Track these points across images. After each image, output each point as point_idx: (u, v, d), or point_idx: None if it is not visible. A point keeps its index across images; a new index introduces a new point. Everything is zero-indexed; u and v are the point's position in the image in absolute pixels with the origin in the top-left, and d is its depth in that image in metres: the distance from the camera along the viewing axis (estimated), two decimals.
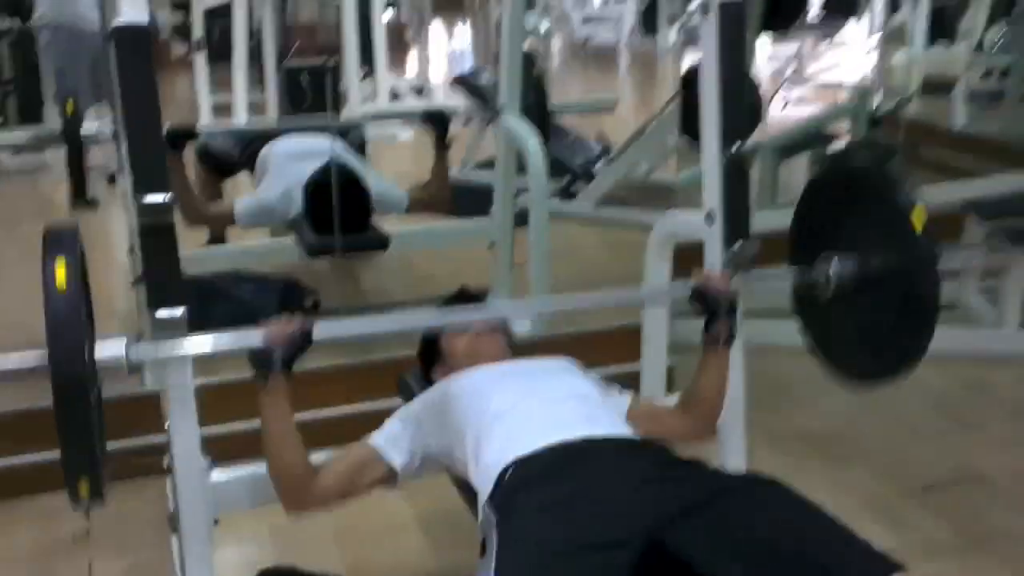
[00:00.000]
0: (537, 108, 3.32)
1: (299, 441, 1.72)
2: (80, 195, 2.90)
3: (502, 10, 3.25)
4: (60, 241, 1.51)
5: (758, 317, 3.39)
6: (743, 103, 2.08)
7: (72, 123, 2.72)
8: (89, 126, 2.81)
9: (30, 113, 5.54)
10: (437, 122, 3.34)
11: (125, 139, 1.75)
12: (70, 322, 1.44)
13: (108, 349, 1.56)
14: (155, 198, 1.69)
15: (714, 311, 1.83)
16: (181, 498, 1.78)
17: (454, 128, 3.45)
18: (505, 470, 1.59)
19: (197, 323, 3.19)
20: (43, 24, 4.84)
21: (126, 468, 2.58)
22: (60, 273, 1.46)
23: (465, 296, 2.13)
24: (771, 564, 1.37)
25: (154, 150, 1.73)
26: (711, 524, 1.43)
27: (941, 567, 2.27)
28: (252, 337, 1.67)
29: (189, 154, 3.30)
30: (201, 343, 1.70)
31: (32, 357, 1.48)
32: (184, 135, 3.07)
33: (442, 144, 3.35)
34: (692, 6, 2.17)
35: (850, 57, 7.70)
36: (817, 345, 2.06)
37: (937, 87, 5.92)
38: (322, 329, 1.71)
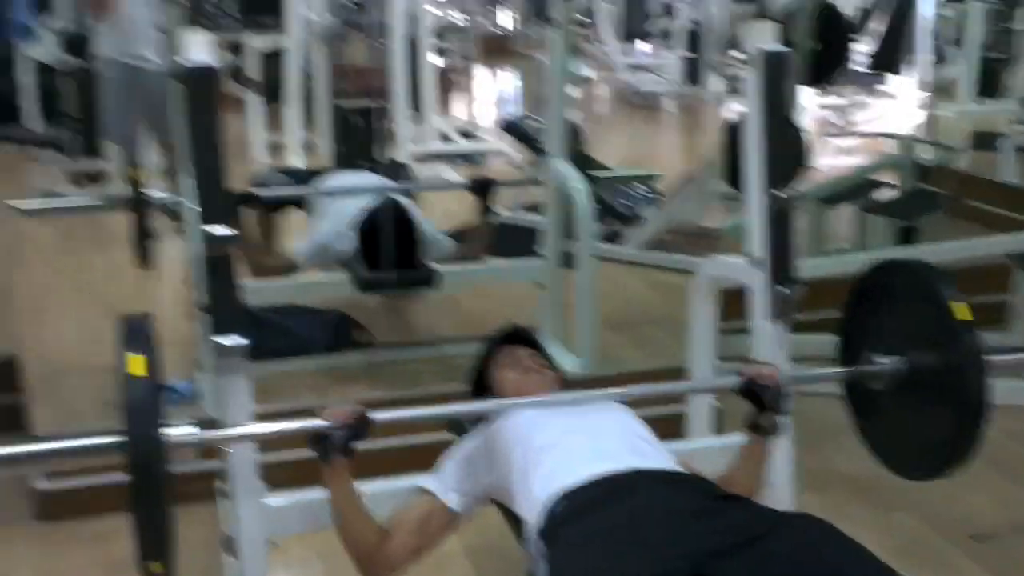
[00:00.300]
0: (576, 154, 3.37)
1: (366, 513, 1.79)
2: (145, 259, 2.98)
3: (547, 58, 3.32)
4: (135, 333, 1.55)
5: (806, 364, 3.42)
6: (787, 151, 2.12)
7: (136, 189, 2.81)
8: (153, 192, 2.90)
9: (90, 147, 5.72)
10: (482, 189, 3.42)
11: (192, 174, 1.83)
12: (148, 416, 1.49)
13: (181, 433, 1.61)
14: (219, 230, 1.77)
15: (763, 403, 1.85)
16: (239, 520, 1.84)
17: (503, 169, 3.52)
18: (554, 501, 1.62)
19: (251, 353, 3.27)
20: (103, 62, 5.00)
21: (186, 493, 2.65)
22: (136, 366, 1.50)
23: (515, 334, 2.16)
24: None
25: (219, 185, 1.81)
26: (756, 561, 1.44)
27: None
28: (314, 423, 1.72)
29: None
30: (262, 428, 1.79)
31: (111, 436, 1.52)
32: (243, 200, 3.18)
33: (487, 208, 3.43)
34: (737, 55, 2.22)
35: (898, 109, 7.71)
36: (867, 440, 2.06)
37: (985, 140, 5.91)
38: (380, 415, 1.76)
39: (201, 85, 1.83)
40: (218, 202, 1.81)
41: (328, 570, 2.42)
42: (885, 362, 1.89)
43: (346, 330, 3.49)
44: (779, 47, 2.10)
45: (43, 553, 2.53)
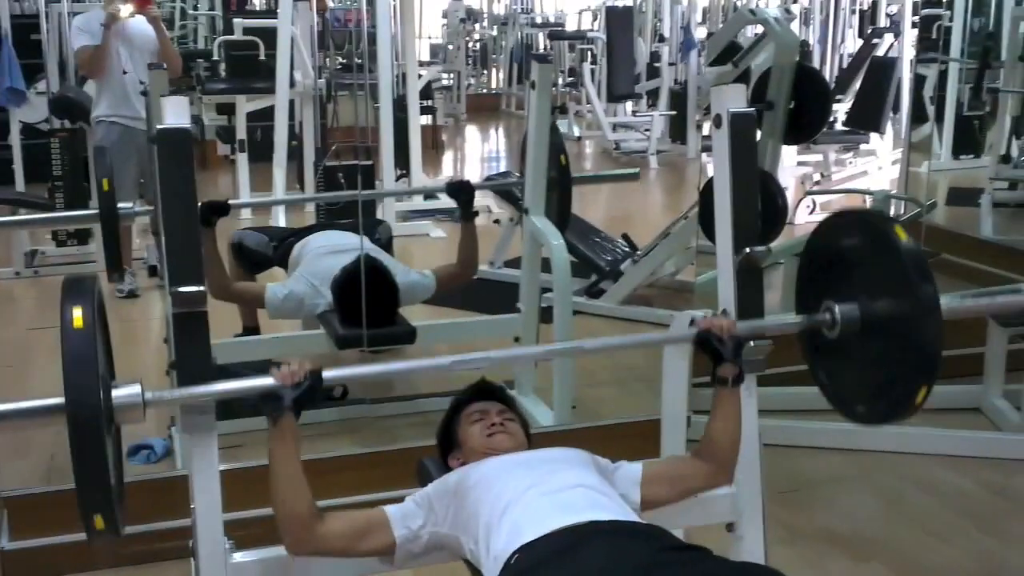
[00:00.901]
0: (560, 180, 3.40)
1: (305, 483, 1.76)
2: (116, 268, 2.97)
3: (528, 117, 3.38)
4: (77, 289, 1.59)
5: (779, 417, 3.44)
6: (755, 208, 2.15)
7: (107, 198, 2.79)
8: (125, 204, 2.88)
9: (77, 207, 5.75)
10: (461, 192, 3.43)
11: (163, 232, 1.85)
12: (85, 362, 1.51)
13: (124, 391, 1.62)
14: (189, 288, 1.79)
15: (721, 353, 1.87)
16: None
17: (484, 225, 3.55)
18: (511, 556, 1.63)
19: (229, 409, 3.26)
20: (99, 121, 5.10)
21: (151, 552, 2.65)
22: (77, 316, 1.53)
23: (485, 389, 2.18)
24: None
25: (190, 243, 1.83)
26: None
27: None
28: (264, 381, 1.74)
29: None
30: (216, 387, 1.76)
31: (51, 400, 1.55)
32: (217, 210, 3.15)
33: (467, 214, 3.43)
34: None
35: (879, 166, 7.82)
36: (823, 388, 2.07)
37: (962, 196, 6.00)
38: (331, 372, 1.78)
39: (174, 146, 1.85)
40: (188, 260, 1.84)
41: None
42: (839, 310, 1.91)
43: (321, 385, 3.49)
44: (745, 109, 2.15)
45: None
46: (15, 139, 6.04)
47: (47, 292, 5.31)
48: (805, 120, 4.43)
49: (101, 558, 2.65)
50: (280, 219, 6.41)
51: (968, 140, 6.78)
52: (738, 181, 2.12)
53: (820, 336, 1.97)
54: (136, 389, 1.63)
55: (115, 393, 1.61)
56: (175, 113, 1.87)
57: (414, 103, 7.17)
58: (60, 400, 1.50)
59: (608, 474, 1.93)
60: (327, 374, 1.75)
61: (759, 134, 4.72)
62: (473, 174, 9.57)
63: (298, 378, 1.69)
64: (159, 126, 1.85)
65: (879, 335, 1.89)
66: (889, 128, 8.04)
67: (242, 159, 7.05)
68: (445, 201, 6.99)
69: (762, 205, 4.32)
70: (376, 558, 1.87)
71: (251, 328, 3.87)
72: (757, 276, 2.14)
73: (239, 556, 1.91)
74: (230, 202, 3.26)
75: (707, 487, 1.98)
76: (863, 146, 7.99)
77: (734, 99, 2.14)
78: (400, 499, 2.06)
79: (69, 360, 1.50)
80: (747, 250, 2.09)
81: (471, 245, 3.47)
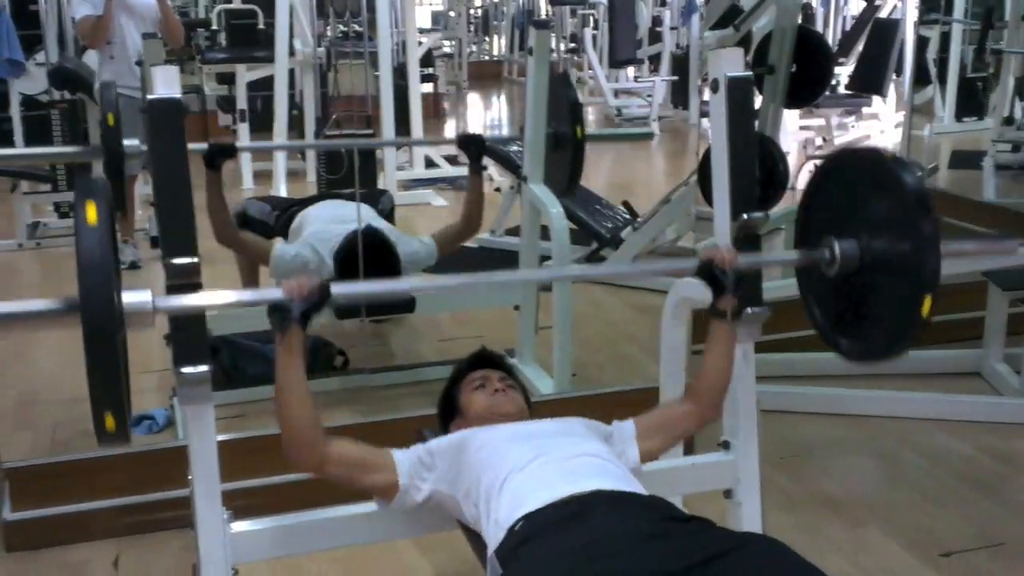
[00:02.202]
0: (573, 136, 3.31)
1: (309, 397, 1.78)
2: (119, 207, 2.94)
3: (528, 83, 3.36)
4: (91, 186, 1.56)
5: (778, 383, 3.45)
6: (753, 173, 2.14)
7: (112, 133, 2.74)
8: (131, 142, 2.83)
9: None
10: (472, 144, 3.35)
11: (156, 203, 1.85)
12: (101, 261, 1.48)
13: (134, 296, 1.60)
14: (183, 259, 1.78)
15: (721, 285, 1.87)
16: (201, 547, 1.84)
17: (485, 193, 3.52)
18: (514, 524, 1.64)
19: (232, 379, 3.27)
20: (103, 89, 5.07)
21: (152, 521, 2.67)
22: (91, 212, 1.50)
23: (484, 357, 2.18)
24: None
25: (183, 214, 1.82)
26: None
27: None
28: (273, 292, 1.75)
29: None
30: (221, 296, 1.77)
31: (63, 300, 1.52)
32: (222, 152, 3.10)
33: (477, 166, 3.37)
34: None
35: (880, 130, 7.77)
36: (819, 325, 2.06)
37: (965, 159, 5.96)
38: (338, 286, 1.78)
39: (165, 116, 1.84)
40: (182, 231, 1.83)
41: None
42: (839, 247, 1.89)
43: (324, 355, 3.51)
44: (743, 73, 2.14)
45: None
46: (15, 111, 6.02)
47: (49, 264, 5.33)
48: (807, 84, 4.40)
49: (102, 528, 2.67)
50: (282, 190, 6.40)
51: (971, 102, 6.73)
52: (736, 146, 2.11)
53: (818, 272, 1.96)
54: (147, 295, 1.61)
55: (125, 296, 1.58)
56: (166, 83, 1.85)
57: (414, 71, 7.13)
58: (74, 297, 1.47)
59: (607, 437, 1.94)
60: (335, 289, 1.75)
61: (760, 99, 4.71)
62: None
63: (306, 291, 1.70)
64: (149, 96, 1.84)
65: (878, 272, 1.87)
66: (892, 91, 7.98)
67: (243, 129, 7.03)
68: (447, 170, 7.00)
69: (763, 170, 4.32)
70: (374, 496, 1.89)
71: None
72: (755, 242, 2.14)
73: (238, 526, 1.93)
74: (237, 144, 3.23)
75: (699, 425, 2.01)
76: (865, 109, 7.95)
77: (731, 63, 2.12)
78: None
79: (84, 257, 1.47)
80: (744, 216, 2.09)
81: (478, 198, 3.43)
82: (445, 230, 3.52)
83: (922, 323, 1.78)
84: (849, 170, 1.98)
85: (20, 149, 5.07)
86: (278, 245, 3.36)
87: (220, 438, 1.86)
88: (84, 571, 2.54)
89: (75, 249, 1.47)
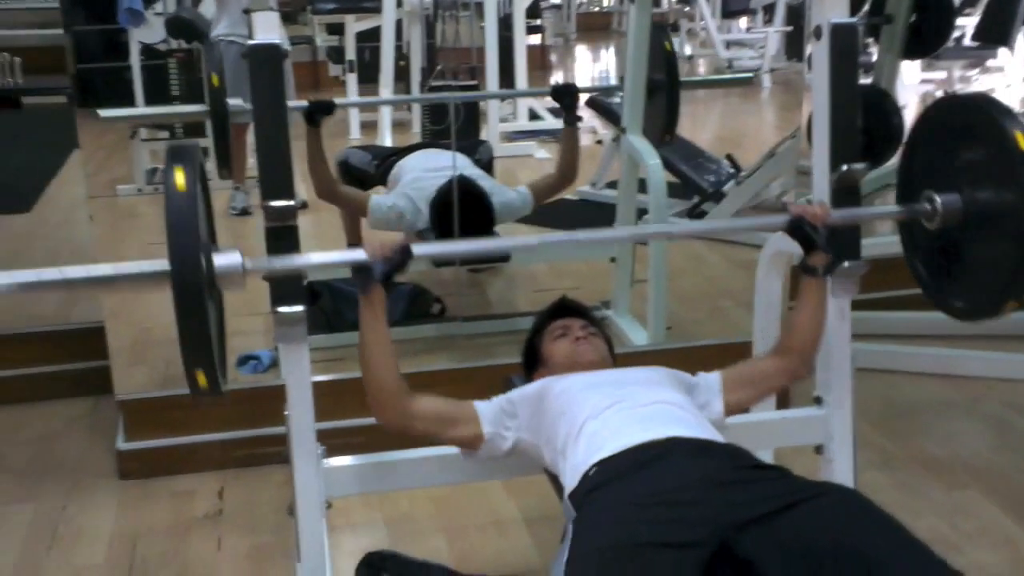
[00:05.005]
0: (668, 83, 3.30)
1: (392, 353, 1.83)
2: (226, 164, 3.05)
3: (628, 34, 3.31)
4: (181, 153, 1.62)
5: (881, 342, 3.37)
6: (855, 123, 2.08)
7: (217, 93, 2.85)
8: (236, 101, 2.93)
9: (194, 127, 5.92)
10: (565, 95, 3.37)
11: (257, 147, 1.91)
12: (188, 226, 1.54)
13: (225, 258, 1.66)
14: (280, 202, 1.84)
15: (812, 241, 1.84)
16: (297, 480, 1.92)
17: (587, 144, 3.51)
18: (589, 469, 1.66)
19: (332, 324, 3.34)
20: (218, 39, 5.20)
21: (257, 456, 2.78)
22: (180, 178, 1.56)
23: (565, 306, 2.19)
24: (838, 574, 1.38)
25: (281, 158, 1.88)
26: (781, 532, 1.45)
27: None
28: (356, 254, 1.80)
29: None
30: (311, 258, 1.82)
31: (156, 263, 1.58)
32: (322, 109, 3.17)
33: (571, 118, 3.37)
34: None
35: (1006, 84, 7.41)
36: (923, 281, 2.02)
37: None
38: (420, 248, 1.84)
39: (264, 62, 1.89)
40: (280, 175, 1.88)
41: (392, 533, 2.50)
42: (940, 200, 1.85)
43: (421, 302, 3.56)
44: (847, 20, 2.08)
45: (124, 510, 2.67)
46: (135, 60, 6.21)
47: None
48: (926, 34, 4.24)
49: (208, 460, 2.80)
50: (387, 139, 6.47)
51: None
52: (838, 95, 2.06)
53: (919, 226, 1.91)
54: (236, 257, 1.66)
55: (216, 259, 1.64)
56: (265, 28, 1.90)
57: (520, 22, 7.09)
58: (165, 262, 1.53)
59: (690, 388, 1.94)
60: (416, 249, 1.79)
61: (877, 50, 4.54)
62: (582, 94, 9.46)
63: (388, 252, 1.74)
64: (249, 42, 1.89)
65: (983, 227, 1.81)
66: (1021, 43, 7.58)
67: (351, 80, 7.11)
68: (550, 122, 6.96)
69: (877, 124, 4.19)
70: (460, 448, 1.93)
71: (355, 244, 3.95)
72: (854, 194, 2.08)
73: (332, 461, 2.00)
74: (336, 100, 3.30)
75: (788, 381, 2.00)
76: (991, 62, 7.57)
77: (835, 9, 2.08)
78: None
79: (173, 223, 1.52)
80: (844, 167, 2.04)
81: (572, 149, 3.42)
82: (541, 180, 3.52)
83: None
84: (950, 119, 1.91)
85: (138, 109, 5.25)
86: (374, 197, 3.42)
87: (318, 378, 1.93)
88: (191, 499, 2.68)
89: (164, 212, 1.51)
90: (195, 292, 1.54)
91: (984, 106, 1.84)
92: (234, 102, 2.88)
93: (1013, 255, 1.76)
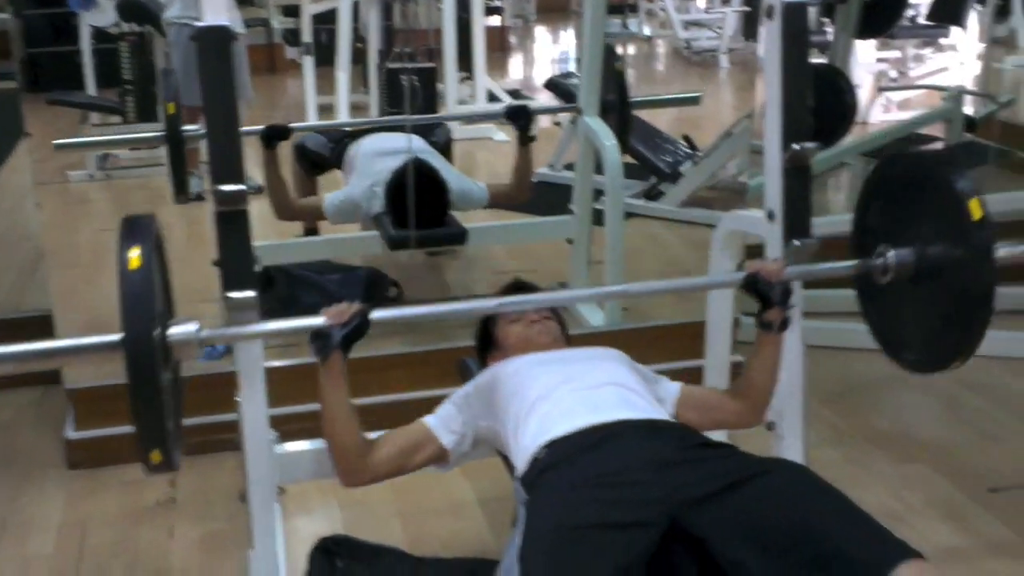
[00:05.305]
0: (619, 104, 3.34)
1: (354, 418, 1.82)
2: (182, 191, 3.05)
3: (584, 15, 3.31)
4: (135, 229, 1.60)
5: (833, 319, 3.40)
6: (806, 103, 2.10)
7: (173, 121, 2.86)
8: (191, 127, 2.96)
9: (146, 112, 5.83)
10: (519, 117, 3.39)
11: (206, 132, 1.88)
12: (141, 302, 1.53)
13: (181, 329, 1.65)
14: (230, 187, 1.82)
15: (768, 298, 1.86)
16: (249, 467, 1.91)
17: (545, 127, 3.51)
18: (539, 451, 1.66)
19: (287, 308, 3.32)
20: (170, 23, 5.12)
21: (210, 443, 2.75)
22: (134, 257, 1.55)
23: (519, 287, 2.20)
24: (787, 549, 1.40)
25: (231, 142, 1.86)
26: (731, 509, 1.47)
27: (1004, 567, 2.25)
28: (315, 320, 1.78)
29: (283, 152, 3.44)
30: (268, 326, 1.82)
31: (110, 337, 1.57)
32: (278, 134, 3.21)
33: (524, 139, 3.38)
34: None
35: (959, 62, 7.49)
36: (876, 334, 2.05)
37: None
38: (378, 313, 1.82)
39: (214, 45, 1.87)
40: (230, 159, 1.86)
41: (347, 517, 2.49)
42: (893, 255, 1.88)
43: (377, 286, 3.55)
44: None
45: (73, 499, 2.63)
46: (85, 43, 6.10)
47: (119, 194, 5.44)
48: (881, 13, 4.27)
49: None
50: (343, 115, 6.41)
51: None
52: (788, 74, 2.07)
53: (872, 280, 1.93)
54: (192, 327, 1.65)
55: (172, 331, 1.63)
56: (214, 10, 1.88)
57: (478, 2, 7.05)
58: (118, 337, 1.52)
59: (649, 380, 1.94)
60: (374, 315, 1.78)
61: (832, 29, 4.57)
62: (541, 76, 9.44)
63: (346, 317, 1.72)
64: (198, 23, 1.87)
65: (932, 283, 1.84)
66: (974, 22, 7.67)
67: (308, 63, 7.03)
68: (509, 102, 6.95)
69: (830, 102, 4.21)
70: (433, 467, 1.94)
71: (311, 231, 3.92)
72: (805, 174, 2.10)
73: (285, 447, 1.99)
74: (291, 125, 3.30)
75: (737, 425, 2.00)
76: (944, 41, 7.66)
77: None
78: (441, 397, 2.12)
79: (126, 300, 1.52)
80: (795, 146, 2.05)
81: (526, 169, 3.43)
82: (499, 186, 3.50)
83: (978, 338, 1.75)
84: (904, 175, 1.92)
85: (93, 138, 5.19)
86: (327, 196, 3.41)
87: (272, 364, 1.92)
88: (142, 488, 2.65)
89: (118, 291, 1.50)
90: (148, 373, 1.53)
91: (937, 165, 1.87)
92: (189, 128, 2.88)
93: (963, 313, 1.78)
